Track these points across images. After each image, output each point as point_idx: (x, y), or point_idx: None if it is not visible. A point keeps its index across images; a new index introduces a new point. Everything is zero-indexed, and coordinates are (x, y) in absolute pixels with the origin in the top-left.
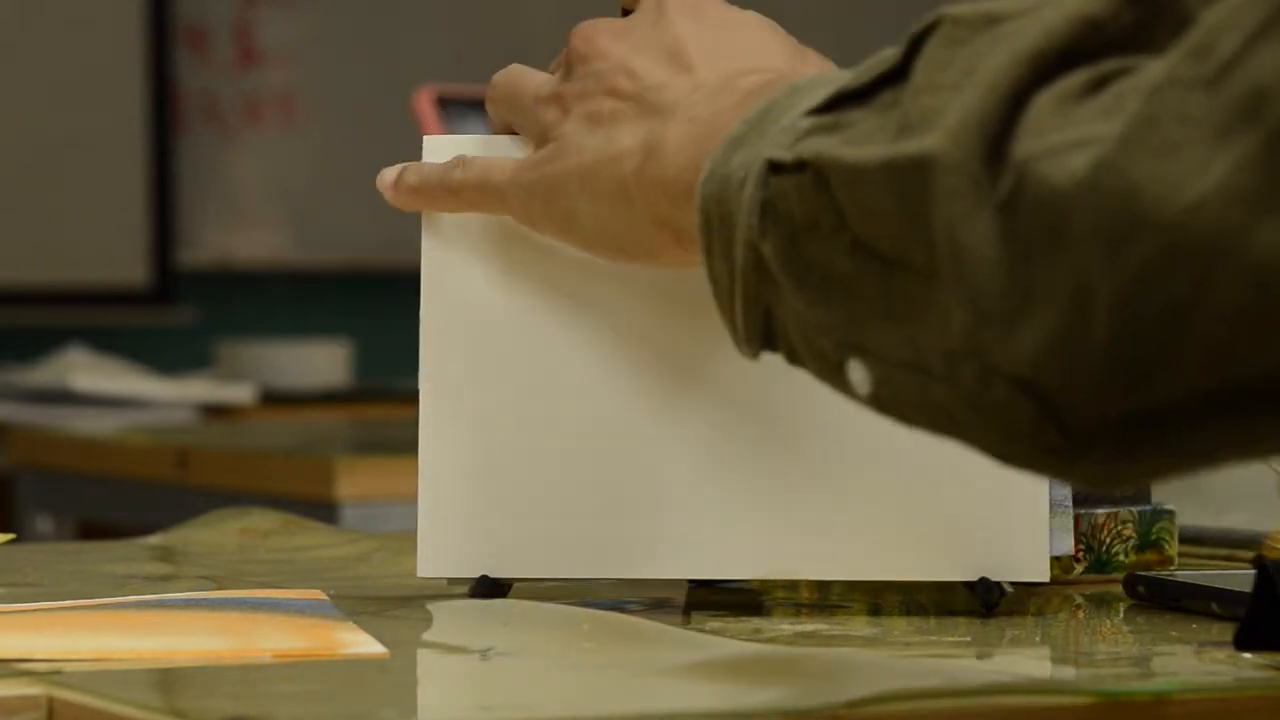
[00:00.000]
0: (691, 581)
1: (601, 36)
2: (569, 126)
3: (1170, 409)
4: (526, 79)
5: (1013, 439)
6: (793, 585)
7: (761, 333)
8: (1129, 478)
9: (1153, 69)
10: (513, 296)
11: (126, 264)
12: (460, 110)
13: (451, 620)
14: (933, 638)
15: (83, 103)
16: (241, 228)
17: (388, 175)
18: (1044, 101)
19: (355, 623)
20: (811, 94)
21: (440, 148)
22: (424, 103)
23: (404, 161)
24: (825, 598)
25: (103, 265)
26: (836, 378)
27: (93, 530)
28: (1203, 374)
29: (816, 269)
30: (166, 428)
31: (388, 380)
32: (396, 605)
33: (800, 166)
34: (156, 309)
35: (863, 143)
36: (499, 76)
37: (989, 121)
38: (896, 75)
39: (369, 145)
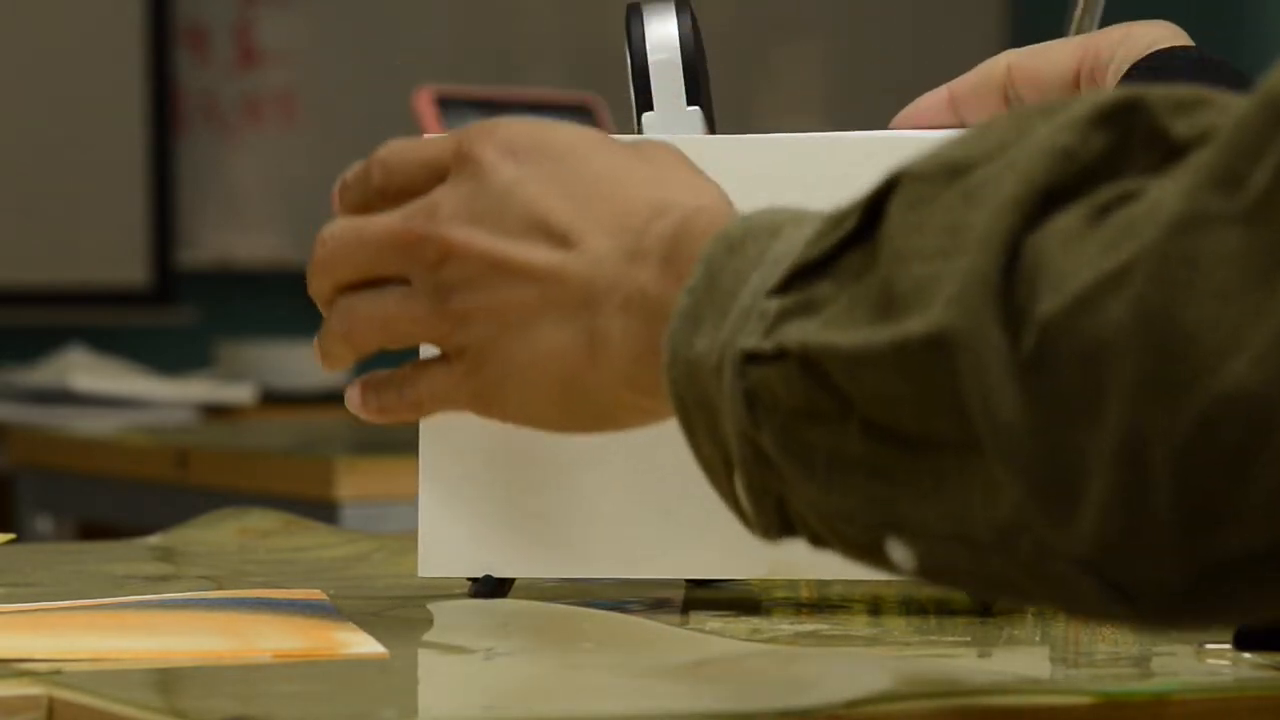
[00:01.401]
0: (690, 581)
1: (444, 228)
2: (474, 339)
3: (1239, 563)
4: (382, 307)
5: (1078, 606)
6: (793, 585)
7: (779, 522)
8: (1204, 627)
9: (1164, 195)
10: None
11: (126, 264)
12: (460, 110)
13: (452, 620)
14: (933, 638)
15: (83, 103)
16: (241, 228)
17: (354, 396)
18: (1047, 247)
19: (355, 623)
20: (755, 256)
21: None
22: (424, 103)
23: None
24: (825, 598)
25: (103, 265)
26: (874, 557)
27: (93, 530)
28: (1269, 523)
29: (822, 454)
30: (166, 428)
31: None
32: (396, 605)
33: (781, 355)
34: (156, 309)
35: (847, 324)
36: (320, 264)
37: (991, 281)
38: (857, 238)
39: (369, 145)
